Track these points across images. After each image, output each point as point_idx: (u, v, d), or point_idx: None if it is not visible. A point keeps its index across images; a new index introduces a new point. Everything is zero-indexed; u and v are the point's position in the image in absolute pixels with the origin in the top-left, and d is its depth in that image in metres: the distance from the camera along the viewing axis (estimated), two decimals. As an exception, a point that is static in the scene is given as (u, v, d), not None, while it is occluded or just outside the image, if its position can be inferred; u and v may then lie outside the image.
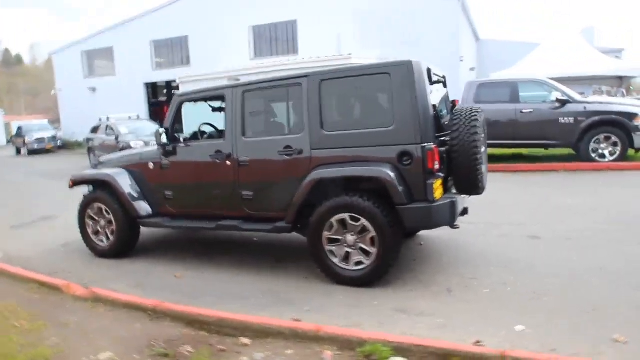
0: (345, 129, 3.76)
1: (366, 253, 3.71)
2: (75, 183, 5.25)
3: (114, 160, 5.22)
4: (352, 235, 3.74)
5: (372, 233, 3.64)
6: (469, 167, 3.70)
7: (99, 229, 5.08)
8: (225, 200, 4.33)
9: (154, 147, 4.95)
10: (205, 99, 4.71)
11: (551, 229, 5.02)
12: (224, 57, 19.83)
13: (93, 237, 5.12)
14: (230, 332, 3.01)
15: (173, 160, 4.59)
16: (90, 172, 5.21)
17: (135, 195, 4.81)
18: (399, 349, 2.54)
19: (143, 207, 4.81)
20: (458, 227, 3.76)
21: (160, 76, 22.45)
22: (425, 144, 3.50)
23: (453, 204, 3.62)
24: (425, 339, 2.59)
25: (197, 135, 4.97)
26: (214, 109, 5.25)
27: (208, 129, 5.06)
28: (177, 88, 20.77)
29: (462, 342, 2.63)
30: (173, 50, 22.13)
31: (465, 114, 3.77)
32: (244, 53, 20.26)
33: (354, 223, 3.70)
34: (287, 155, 3.96)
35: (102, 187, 4.99)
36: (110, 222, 4.97)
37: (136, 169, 4.88)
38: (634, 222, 5.09)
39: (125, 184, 4.82)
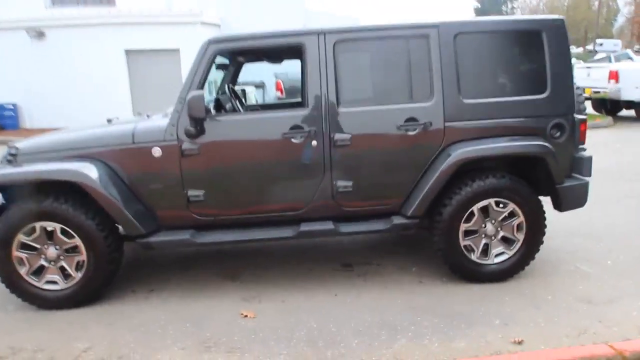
0: (489, 97, 3.05)
1: (508, 242, 3.18)
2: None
3: (57, 147, 3.08)
4: (492, 223, 3.13)
5: (520, 219, 3.12)
6: None
7: (45, 263, 3.00)
8: (305, 194, 3.06)
9: (154, 122, 3.12)
10: (262, 50, 3.17)
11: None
12: (2, 0, 14.67)
13: (31, 279, 3.00)
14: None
15: (206, 141, 2.97)
16: (24, 170, 2.94)
17: (131, 202, 2.97)
18: None
19: (146, 220, 3.03)
20: None
21: None
22: (577, 115, 3.14)
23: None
24: None
25: (220, 104, 3.36)
26: (220, 66, 3.65)
27: (224, 97, 3.48)
28: None
29: None
30: None
31: None
32: (36, -2, 15.42)
33: (499, 209, 3.10)
34: (410, 130, 3.00)
35: (50, 194, 2.91)
36: (73, 249, 2.98)
37: (121, 160, 3.00)
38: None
39: (109, 184, 2.91)
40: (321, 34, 2.97)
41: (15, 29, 12.77)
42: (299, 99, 4.75)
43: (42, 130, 12.34)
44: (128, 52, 13.60)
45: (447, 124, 3.02)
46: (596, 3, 37.45)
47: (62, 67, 13.13)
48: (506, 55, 3.10)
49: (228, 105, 3.60)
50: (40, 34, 12.99)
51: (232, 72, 4.15)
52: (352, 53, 3.01)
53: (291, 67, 10.65)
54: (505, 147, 3.00)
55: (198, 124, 2.91)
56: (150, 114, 3.45)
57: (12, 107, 13.06)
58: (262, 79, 13.41)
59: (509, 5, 55.06)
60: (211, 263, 3.71)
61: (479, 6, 53.48)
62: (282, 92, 9.86)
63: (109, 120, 3.43)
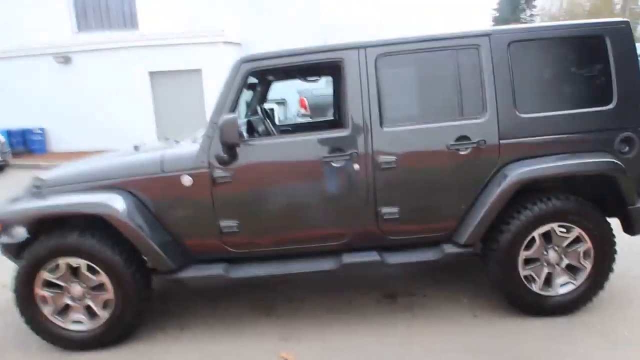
0: (548, 110, 2.76)
1: (574, 271, 2.85)
2: (10, 223, 2.75)
3: (83, 178, 2.90)
4: (555, 250, 2.81)
5: (587, 244, 2.78)
6: None
7: (70, 302, 2.81)
8: (347, 222, 2.81)
9: (183, 148, 2.93)
10: (296, 68, 2.98)
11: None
12: (31, 28, 15.08)
13: (56, 320, 2.81)
14: None
15: (239, 168, 2.75)
16: (48, 204, 2.76)
17: (160, 235, 2.77)
18: None
19: (177, 254, 2.82)
20: None
21: None
22: (646, 127, 2.81)
23: None
24: None
25: (252, 127, 3.16)
26: (251, 86, 3.46)
27: (256, 119, 3.27)
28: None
29: None
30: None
31: None
32: (64, 25, 15.77)
33: (563, 234, 2.78)
34: (461, 149, 2.72)
35: (75, 228, 2.73)
36: (99, 286, 2.78)
37: (149, 190, 2.80)
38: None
39: (137, 216, 2.72)
40: (361, 48, 2.74)
41: (43, 55, 13.06)
42: (331, 118, 4.55)
43: (69, 155, 12.49)
44: (152, 74, 13.73)
45: (502, 141, 2.73)
46: (617, 6, 36.44)
47: (88, 91, 13.34)
48: (566, 64, 2.81)
49: (261, 128, 3.40)
50: (67, 59, 13.25)
51: (261, 92, 3.97)
52: (395, 67, 2.77)
53: (314, 84, 10.51)
54: (571, 166, 2.69)
55: (231, 150, 2.70)
56: (179, 140, 3.27)
57: (40, 132, 13.29)
58: (282, 96, 13.34)
59: (528, 13, 54.21)
60: (242, 294, 3.46)
61: (498, 15, 52.86)
62: (306, 109, 9.70)
63: (136, 147, 3.26)
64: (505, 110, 2.72)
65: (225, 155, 2.70)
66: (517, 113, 2.73)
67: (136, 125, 13.25)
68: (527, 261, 2.82)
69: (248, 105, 4.04)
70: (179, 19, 14.96)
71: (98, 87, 13.37)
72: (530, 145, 2.75)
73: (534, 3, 53.67)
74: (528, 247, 2.79)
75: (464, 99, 2.76)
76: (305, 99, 9.78)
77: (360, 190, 2.76)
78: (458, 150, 2.73)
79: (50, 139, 13.63)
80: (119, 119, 13.32)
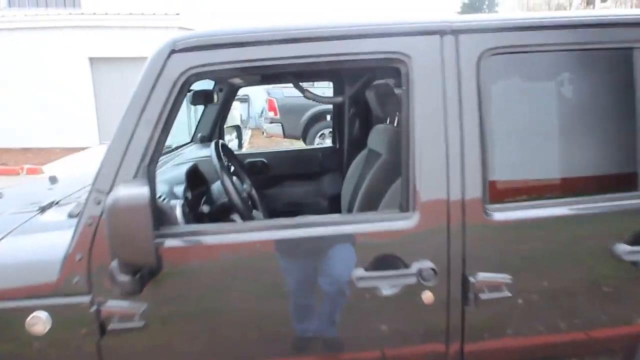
0: None
1: None
2: None
3: None
4: None
5: None
6: None
7: None
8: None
9: (41, 234, 1.32)
10: (294, 69, 1.43)
11: None
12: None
13: None
14: None
15: (161, 299, 1.18)
16: None
17: None
18: None
19: None
20: None
21: None
22: None
23: None
24: None
25: (194, 188, 1.59)
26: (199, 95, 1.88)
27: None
28: None
29: None
30: None
31: None
32: (-12, -1, 13.32)
33: None
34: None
35: None
36: None
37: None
38: None
39: None
40: (448, 33, 1.23)
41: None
42: (329, 144, 3.02)
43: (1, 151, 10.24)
44: (93, 60, 11.69)
45: None
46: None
47: (18, 77, 11.16)
48: None
49: (217, 196, 1.67)
50: (-14, 39, 10.96)
51: (219, 107, 2.37)
52: (517, 77, 1.29)
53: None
54: None
55: (123, 272, 1.11)
56: (48, 203, 1.63)
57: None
58: (244, 91, 11.60)
59: (495, 1, 51.68)
60: None
61: (466, 1, 49.57)
62: (275, 113, 8.11)
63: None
64: None
65: (126, 277, 1.13)
66: None
67: (75, 120, 11.26)
68: None
69: (194, 136, 2.43)
70: (123, 1, 12.83)
71: (30, 72, 11.25)
72: None
73: (496, 9, 52.77)
74: None
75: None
76: (274, 100, 8.19)
77: (435, 342, 1.28)
78: (636, 263, 1.29)
79: (-21, 130, 11.37)
80: (55, 112, 11.29)
